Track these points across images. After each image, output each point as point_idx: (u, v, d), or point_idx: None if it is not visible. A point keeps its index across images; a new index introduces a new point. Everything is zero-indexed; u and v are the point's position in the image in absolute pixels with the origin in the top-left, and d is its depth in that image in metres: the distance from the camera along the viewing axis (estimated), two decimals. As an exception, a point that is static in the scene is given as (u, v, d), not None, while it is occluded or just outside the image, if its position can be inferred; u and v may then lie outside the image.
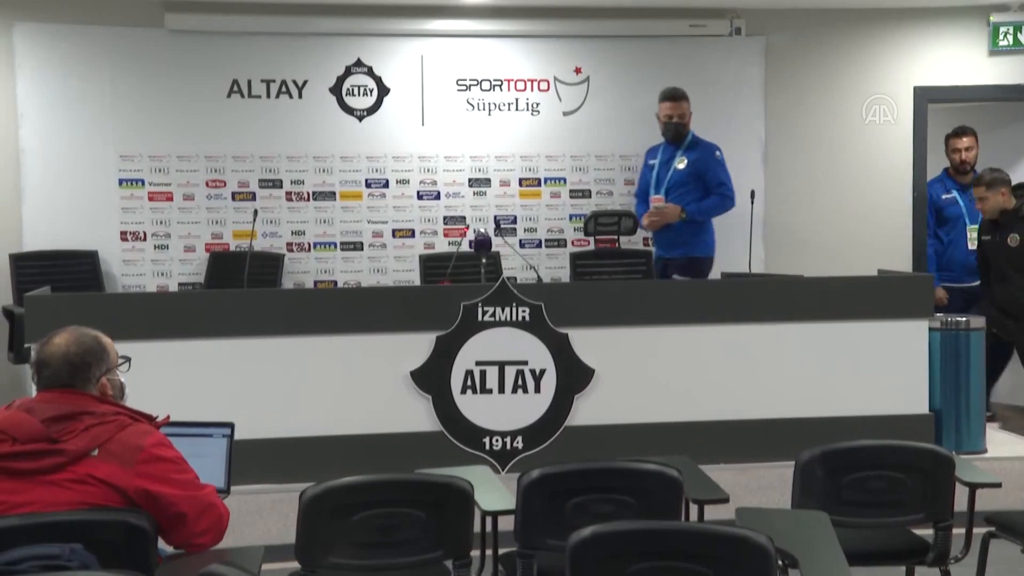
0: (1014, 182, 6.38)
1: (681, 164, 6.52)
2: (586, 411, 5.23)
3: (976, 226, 6.60)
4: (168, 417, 2.92)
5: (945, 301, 6.60)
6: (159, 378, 4.52)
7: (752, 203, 6.47)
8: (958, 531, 3.50)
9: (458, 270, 6.30)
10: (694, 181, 6.51)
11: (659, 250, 6.70)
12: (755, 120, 7.34)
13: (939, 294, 6.52)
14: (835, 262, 7.09)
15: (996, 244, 6.28)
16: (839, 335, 5.40)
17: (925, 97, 7.48)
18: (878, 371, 5.42)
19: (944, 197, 6.84)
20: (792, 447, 3.58)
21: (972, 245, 6.68)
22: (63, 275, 6.45)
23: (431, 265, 6.84)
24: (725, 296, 5.49)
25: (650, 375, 5.31)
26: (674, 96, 6.54)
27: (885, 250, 7.33)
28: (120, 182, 6.84)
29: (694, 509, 3.53)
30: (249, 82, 6.93)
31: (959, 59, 7.48)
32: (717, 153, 6.59)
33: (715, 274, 6.62)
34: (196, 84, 6.88)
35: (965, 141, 6.81)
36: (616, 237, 6.94)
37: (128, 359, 2.95)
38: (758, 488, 4.89)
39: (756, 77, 7.36)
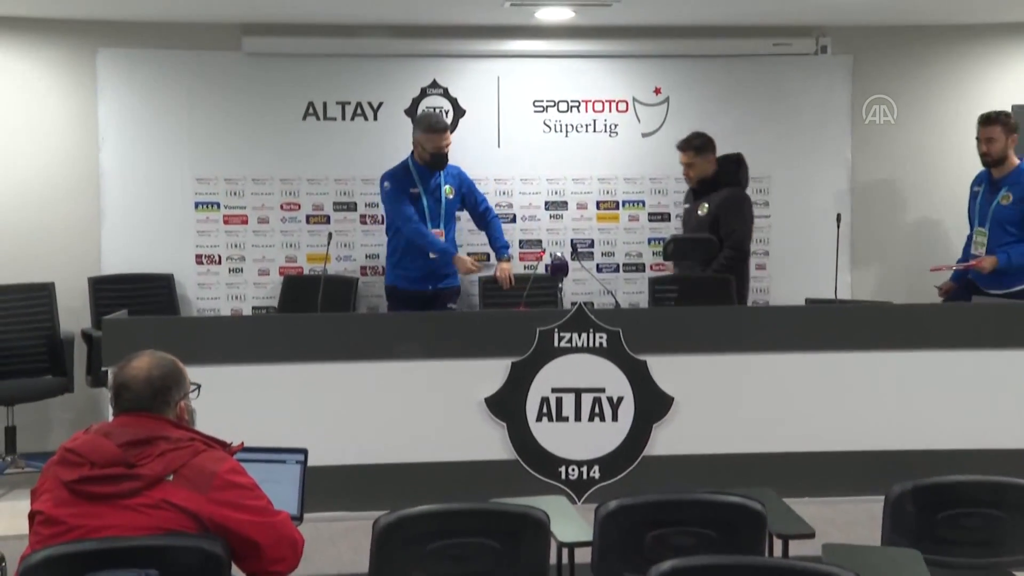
0: None
1: (451, 194, 6.35)
2: (665, 440, 5.12)
3: None
4: (242, 444, 2.89)
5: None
6: (232, 402, 4.50)
7: (838, 227, 6.31)
8: (1064, 574, 3.34)
9: (534, 295, 6.22)
10: (459, 208, 6.44)
11: (429, 282, 6.35)
12: (842, 142, 7.16)
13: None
14: (926, 288, 6.86)
15: (689, 213, 6.29)
16: (932, 364, 5.22)
17: (1024, 116, 7.22)
18: (974, 403, 5.23)
19: None
20: (881, 481, 3.47)
21: None
22: (140, 299, 6.50)
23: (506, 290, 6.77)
24: (810, 323, 5.35)
25: (731, 404, 5.18)
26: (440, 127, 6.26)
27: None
28: (196, 205, 6.88)
29: (778, 544, 3.43)
30: (324, 104, 6.94)
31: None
32: (466, 174, 6.48)
33: (799, 300, 6.46)
34: (272, 107, 6.91)
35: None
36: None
37: (198, 385, 2.94)
38: (845, 523, 4.74)
39: (843, 97, 7.18)
